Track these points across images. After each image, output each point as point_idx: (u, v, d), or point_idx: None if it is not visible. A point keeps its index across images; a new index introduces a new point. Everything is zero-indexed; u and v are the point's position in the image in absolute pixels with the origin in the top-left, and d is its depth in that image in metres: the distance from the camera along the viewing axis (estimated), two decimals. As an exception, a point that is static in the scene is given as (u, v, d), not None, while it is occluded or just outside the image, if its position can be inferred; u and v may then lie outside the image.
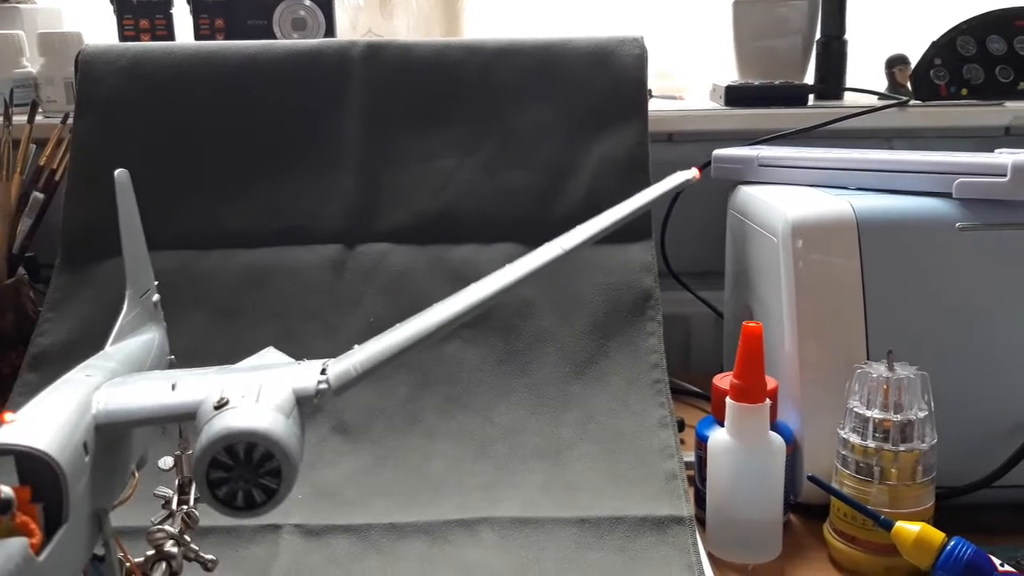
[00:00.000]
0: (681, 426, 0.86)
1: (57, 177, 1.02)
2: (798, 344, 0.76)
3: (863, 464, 0.69)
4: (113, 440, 0.43)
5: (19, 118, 1.02)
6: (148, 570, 0.53)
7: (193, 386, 0.45)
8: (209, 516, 0.70)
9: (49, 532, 0.36)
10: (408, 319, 0.51)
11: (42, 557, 0.35)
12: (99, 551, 0.44)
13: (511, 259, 0.90)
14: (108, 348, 0.54)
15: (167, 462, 0.62)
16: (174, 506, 0.59)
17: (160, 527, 0.55)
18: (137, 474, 0.50)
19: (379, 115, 0.95)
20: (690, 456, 0.79)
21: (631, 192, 0.92)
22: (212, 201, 0.93)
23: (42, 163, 1.02)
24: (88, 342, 0.66)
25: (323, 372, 0.47)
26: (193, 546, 0.57)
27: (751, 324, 0.71)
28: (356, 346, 0.50)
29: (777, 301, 0.80)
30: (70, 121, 0.98)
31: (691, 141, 1.14)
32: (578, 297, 0.89)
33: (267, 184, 0.93)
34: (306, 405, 0.45)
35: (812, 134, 1.07)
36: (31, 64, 1.17)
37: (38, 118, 1.03)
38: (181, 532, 0.57)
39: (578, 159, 0.93)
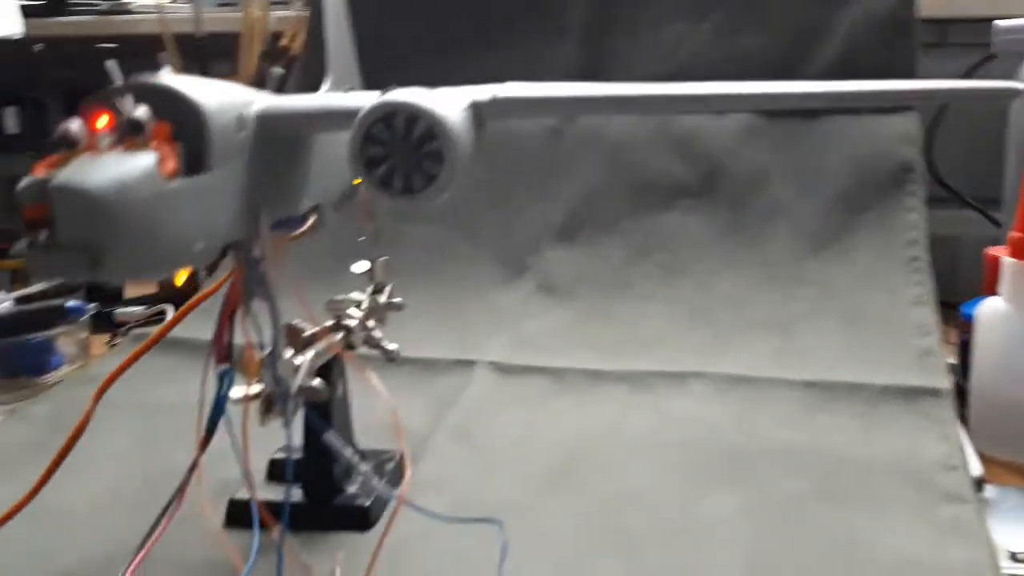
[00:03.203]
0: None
1: (294, 54, 1.04)
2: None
3: None
4: (281, 142, 0.40)
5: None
6: (323, 335, 0.49)
7: (367, 96, 0.40)
8: (403, 346, 0.68)
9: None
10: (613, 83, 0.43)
11: (172, 185, 0.32)
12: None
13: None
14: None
15: (362, 266, 0.59)
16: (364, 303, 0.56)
17: (346, 298, 0.51)
18: (313, 219, 0.47)
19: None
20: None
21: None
22: (435, 68, 0.90)
23: (283, 45, 1.04)
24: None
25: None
26: (376, 334, 0.53)
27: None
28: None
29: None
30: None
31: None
32: (821, 168, 0.78)
33: (491, 52, 0.90)
34: (481, 115, 0.39)
35: None
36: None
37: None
38: (365, 318, 0.53)
39: (828, 21, 0.82)
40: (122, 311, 0.86)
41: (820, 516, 0.47)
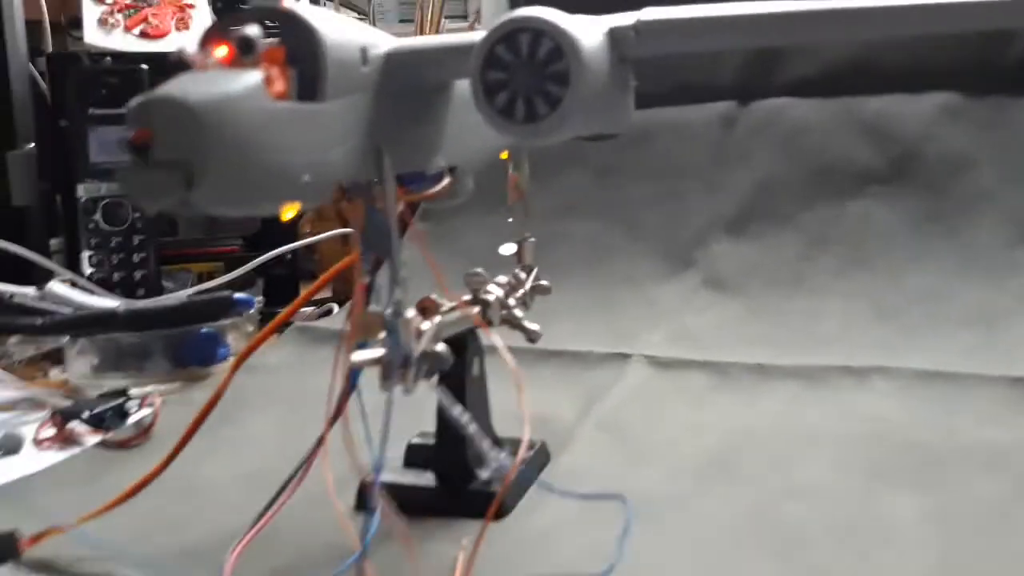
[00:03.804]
0: None
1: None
2: None
3: None
4: (411, 86, 0.38)
5: None
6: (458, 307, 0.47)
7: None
8: (555, 340, 0.64)
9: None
10: None
11: (278, 106, 0.30)
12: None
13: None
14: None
15: (509, 248, 0.56)
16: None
17: (480, 271, 0.49)
18: (447, 181, 0.44)
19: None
20: None
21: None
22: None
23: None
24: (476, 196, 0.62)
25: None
26: (517, 312, 0.50)
27: None
28: None
29: None
30: None
31: None
32: (1034, 150, 0.69)
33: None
34: (622, 43, 0.36)
35: None
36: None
37: None
38: (506, 295, 0.50)
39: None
40: (292, 311, 0.88)
41: (1027, 523, 0.40)
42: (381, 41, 0.37)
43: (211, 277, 0.90)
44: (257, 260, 0.76)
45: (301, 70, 0.32)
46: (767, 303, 0.68)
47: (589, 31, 0.34)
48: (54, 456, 0.57)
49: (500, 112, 0.33)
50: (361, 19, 1.23)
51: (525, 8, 0.33)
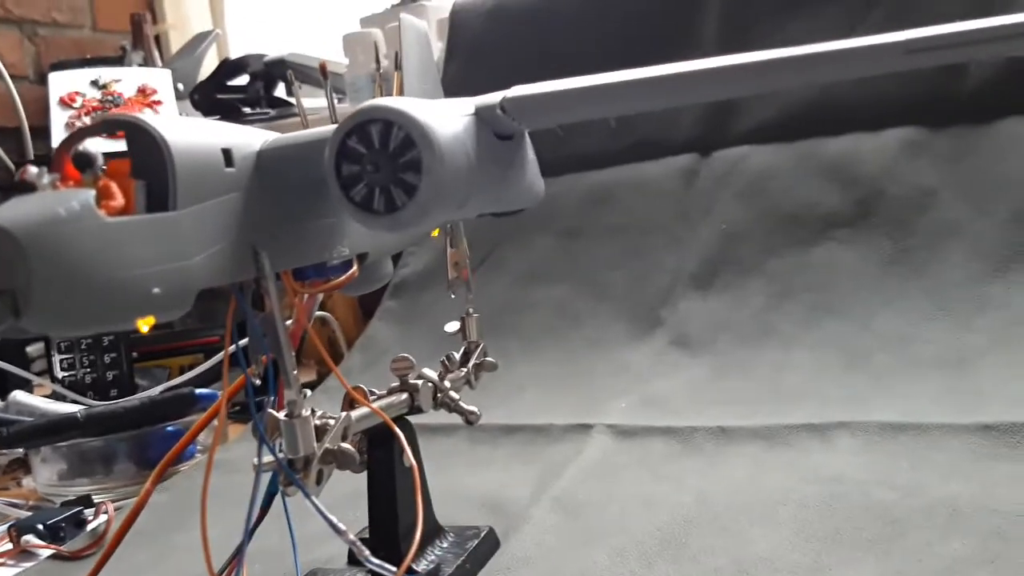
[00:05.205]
0: None
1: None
2: None
3: None
4: (293, 180, 0.37)
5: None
6: (383, 395, 0.46)
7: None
8: (519, 414, 0.63)
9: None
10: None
11: (115, 222, 0.29)
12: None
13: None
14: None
15: (453, 325, 0.55)
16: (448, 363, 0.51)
17: (406, 356, 0.47)
18: (357, 266, 0.43)
19: (738, 8, 0.82)
20: None
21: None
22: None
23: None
24: (442, 269, 0.62)
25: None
26: (453, 394, 0.49)
27: None
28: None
29: None
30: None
31: None
32: (1001, 181, 0.67)
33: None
34: (493, 122, 0.35)
35: None
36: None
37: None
38: (441, 377, 0.49)
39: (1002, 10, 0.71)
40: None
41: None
42: (254, 140, 0.36)
43: (192, 369, 0.90)
44: (219, 356, 0.75)
45: (149, 181, 0.31)
46: (735, 359, 0.66)
47: (448, 115, 0.33)
48: (8, 572, 0.56)
49: (359, 205, 0.32)
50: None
51: (379, 101, 0.32)
